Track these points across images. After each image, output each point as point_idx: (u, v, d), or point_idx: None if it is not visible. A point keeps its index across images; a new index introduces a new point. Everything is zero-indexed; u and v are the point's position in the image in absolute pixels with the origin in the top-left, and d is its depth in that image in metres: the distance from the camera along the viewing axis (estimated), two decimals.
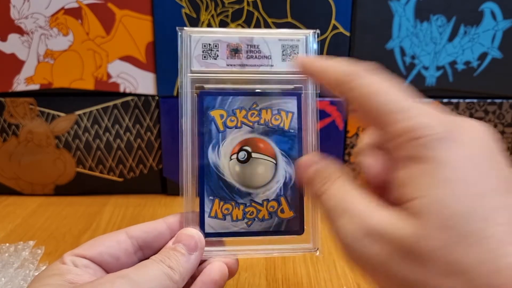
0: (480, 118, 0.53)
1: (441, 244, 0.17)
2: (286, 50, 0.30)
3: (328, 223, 0.22)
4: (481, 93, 0.53)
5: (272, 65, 0.30)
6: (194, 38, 0.29)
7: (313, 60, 0.26)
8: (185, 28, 0.29)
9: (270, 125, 0.30)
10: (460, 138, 0.19)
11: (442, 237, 0.17)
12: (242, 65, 0.29)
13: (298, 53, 0.30)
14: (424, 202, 0.18)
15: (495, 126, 0.54)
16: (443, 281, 0.17)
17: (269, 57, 0.30)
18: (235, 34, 0.29)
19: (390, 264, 0.18)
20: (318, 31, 0.30)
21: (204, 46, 0.29)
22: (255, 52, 0.29)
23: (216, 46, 0.29)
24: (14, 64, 0.49)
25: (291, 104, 0.30)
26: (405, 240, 0.18)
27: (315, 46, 0.30)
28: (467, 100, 0.53)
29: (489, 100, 0.53)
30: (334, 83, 0.24)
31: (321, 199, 0.23)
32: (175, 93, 0.51)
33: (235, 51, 0.29)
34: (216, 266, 0.27)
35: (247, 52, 0.29)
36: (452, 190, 0.18)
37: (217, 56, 0.29)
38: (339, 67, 0.24)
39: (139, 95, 0.51)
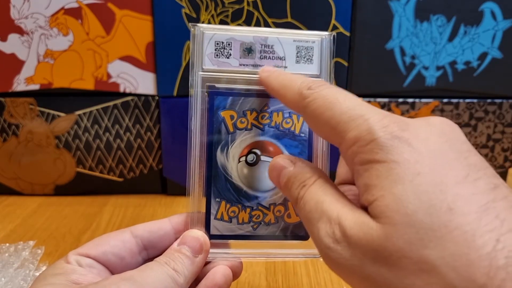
0: (480, 118, 0.53)
1: (406, 242, 0.17)
2: (301, 51, 0.29)
3: (306, 227, 0.22)
4: (481, 93, 0.53)
5: (286, 67, 0.29)
6: (207, 36, 0.28)
7: (270, 79, 0.26)
8: (198, 24, 0.28)
9: (281, 128, 0.29)
10: (414, 135, 0.19)
11: (407, 235, 0.17)
12: (255, 66, 0.29)
13: (313, 55, 0.29)
14: (384, 202, 0.18)
15: (495, 126, 0.54)
16: (416, 280, 0.16)
17: (283, 58, 0.29)
18: (249, 33, 0.29)
19: (363, 267, 0.18)
20: (334, 33, 0.29)
21: (217, 44, 0.28)
22: (269, 52, 0.29)
23: (229, 44, 0.28)
24: (14, 64, 0.49)
25: None
26: (372, 243, 0.18)
27: (331, 48, 0.29)
28: (467, 100, 0.53)
29: (489, 100, 0.53)
30: (291, 103, 0.24)
31: (298, 205, 0.23)
32: (175, 93, 0.51)
33: (248, 50, 0.29)
34: (220, 270, 0.27)
35: (260, 52, 0.29)
36: (412, 185, 0.17)
37: (230, 55, 0.28)
38: (293, 86, 0.24)
39: (139, 95, 0.51)
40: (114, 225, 0.47)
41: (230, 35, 0.28)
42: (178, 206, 0.53)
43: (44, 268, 0.38)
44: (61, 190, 0.55)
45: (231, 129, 0.29)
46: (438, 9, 0.49)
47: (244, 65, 0.29)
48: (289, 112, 0.29)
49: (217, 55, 0.28)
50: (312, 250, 0.29)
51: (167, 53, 0.49)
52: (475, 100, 0.53)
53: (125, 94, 0.51)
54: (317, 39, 0.29)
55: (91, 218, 0.49)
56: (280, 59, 0.29)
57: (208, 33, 0.28)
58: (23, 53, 0.49)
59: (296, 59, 0.29)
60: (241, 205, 0.29)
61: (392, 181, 0.18)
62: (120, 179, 0.54)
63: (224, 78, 0.29)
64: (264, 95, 0.29)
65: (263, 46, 0.29)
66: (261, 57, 0.29)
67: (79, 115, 0.51)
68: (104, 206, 0.52)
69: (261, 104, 0.29)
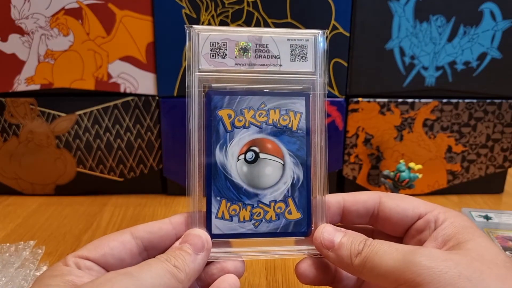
0: (479, 118, 0.53)
1: None
2: (295, 50, 0.29)
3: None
4: (480, 93, 0.53)
5: (280, 65, 0.29)
6: (202, 36, 0.29)
7: None
8: (193, 26, 0.29)
9: (278, 125, 0.29)
10: None
11: None
12: (251, 65, 0.29)
13: (307, 53, 0.29)
14: None
15: (495, 126, 0.54)
16: None
17: (277, 56, 0.29)
18: (244, 33, 0.29)
19: None
20: (327, 31, 0.30)
21: (213, 44, 0.29)
22: (263, 51, 0.29)
23: (224, 44, 0.29)
24: (14, 64, 0.49)
25: (299, 104, 0.29)
26: None
27: (324, 46, 0.30)
28: (467, 100, 0.53)
29: (488, 100, 0.53)
30: None
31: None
32: (175, 93, 0.51)
33: (243, 50, 0.29)
34: (227, 279, 0.27)
35: (255, 51, 0.29)
36: None
37: (226, 55, 0.29)
38: None
39: (139, 95, 0.51)
40: (115, 225, 0.47)
41: (225, 35, 0.29)
42: (178, 206, 0.53)
43: (44, 268, 0.38)
44: (62, 190, 0.55)
45: (229, 127, 0.29)
46: (438, 10, 0.49)
47: (239, 64, 0.29)
48: (286, 109, 0.29)
49: (213, 56, 0.29)
50: (314, 246, 0.29)
51: (167, 53, 0.49)
52: (474, 100, 0.53)
53: (125, 94, 0.51)
54: (311, 37, 0.30)
55: (91, 218, 0.49)
56: (275, 57, 0.29)
57: (204, 34, 0.29)
58: (23, 53, 0.49)
59: (290, 57, 0.29)
60: (241, 203, 0.29)
61: None
62: (121, 179, 0.55)
63: (220, 78, 0.29)
64: (260, 94, 0.29)
65: (257, 46, 0.29)
66: (256, 56, 0.29)
67: (79, 115, 0.52)
68: (104, 206, 0.52)
69: (258, 102, 0.29)
